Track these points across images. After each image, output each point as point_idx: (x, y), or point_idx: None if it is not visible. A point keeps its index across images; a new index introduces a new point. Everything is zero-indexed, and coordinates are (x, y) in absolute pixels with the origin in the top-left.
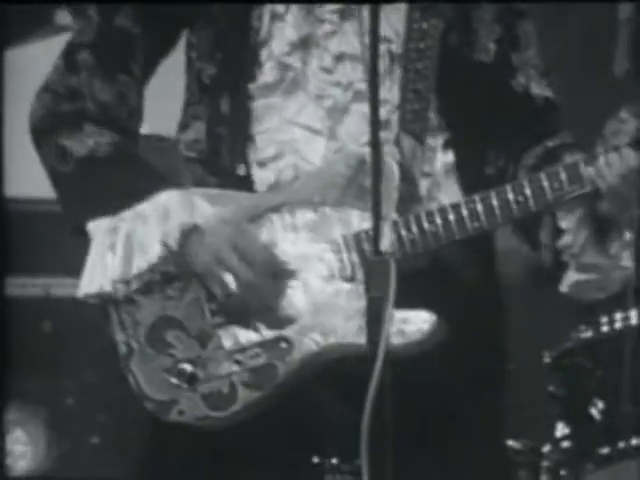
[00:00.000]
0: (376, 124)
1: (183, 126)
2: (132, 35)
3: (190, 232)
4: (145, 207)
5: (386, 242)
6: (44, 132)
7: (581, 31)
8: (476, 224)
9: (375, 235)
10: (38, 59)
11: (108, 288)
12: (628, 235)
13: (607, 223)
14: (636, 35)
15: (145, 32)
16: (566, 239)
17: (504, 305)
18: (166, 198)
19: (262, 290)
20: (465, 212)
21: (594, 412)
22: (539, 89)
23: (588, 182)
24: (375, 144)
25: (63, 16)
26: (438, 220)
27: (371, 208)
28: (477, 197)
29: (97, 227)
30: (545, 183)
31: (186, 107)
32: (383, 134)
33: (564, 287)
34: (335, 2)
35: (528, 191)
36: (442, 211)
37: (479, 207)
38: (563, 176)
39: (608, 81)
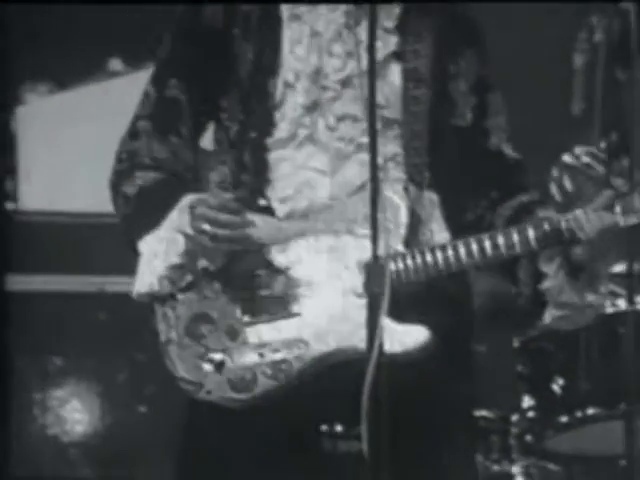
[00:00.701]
0: (374, 159)
1: (211, 169)
2: (179, 102)
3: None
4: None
5: (382, 250)
6: (112, 189)
7: (543, 76)
8: (469, 260)
9: (374, 244)
10: (94, 100)
11: (156, 287)
12: (601, 275)
13: (580, 268)
14: (589, 80)
15: (191, 99)
16: (547, 283)
17: (473, 313)
18: (186, 200)
19: (232, 220)
20: (462, 250)
21: (555, 387)
22: (509, 150)
23: (567, 233)
24: (374, 179)
25: (116, 63)
26: (438, 254)
27: (370, 221)
28: (472, 239)
29: (145, 242)
30: (530, 232)
31: (215, 155)
32: (383, 176)
33: (546, 320)
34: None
35: (516, 237)
36: (442, 247)
37: (474, 247)
38: (546, 227)
39: (567, 119)
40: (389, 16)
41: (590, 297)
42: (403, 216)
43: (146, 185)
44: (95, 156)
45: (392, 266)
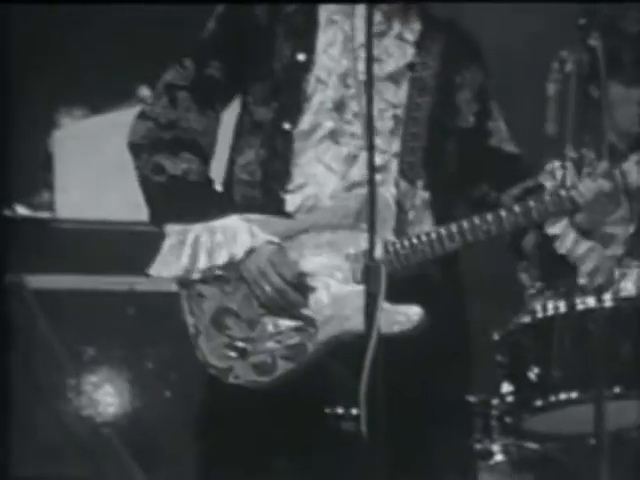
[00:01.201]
0: (372, 164)
1: (238, 151)
2: (218, 81)
3: (249, 253)
4: (215, 224)
5: (379, 252)
6: (142, 149)
7: (522, 102)
8: (472, 235)
9: (370, 248)
10: (124, 123)
11: (180, 273)
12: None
13: (586, 233)
14: (561, 106)
15: (227, 80)
16: (559, 242)
17: (464, 299)
18: (233, 223)
19: (288, 293)
20: (465, 225)
21: (531, 375)
22: (510, 147)
23: (567, 200)
24: (371, 181)
25: (144, 90)
26: (424, 240)
27: (367, 229)
28: (475, 216)
29: (172, 229)
30: (531, 203)
31: (238, 136)
32: (381, 176)
33: (582, 276)
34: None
35: (517, 209)
36: (427, 234)
37: (476, 222)
38: (547, 197)
39: (543, 139)
40: (412, 31)
41: (606, 251)
42: (391, 209)
43: (190, 176)
44: (123, 172)
45: (391, 251)
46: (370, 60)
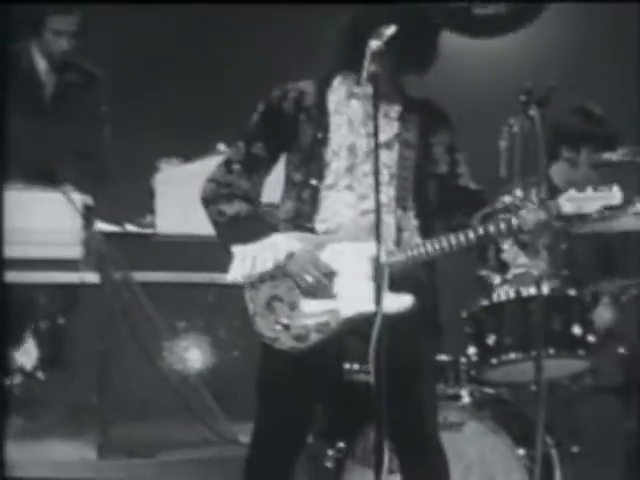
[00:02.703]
0: (378, 194)
1: (282, 202)
2: (261, 157)
3: (290, 256)
4: (263, 242)
5: (383, 258)
6: (209, 201)
7: (481, 153)
8: (455, 246)
9: (378, 255)
10: (209, 168)
11: (244, 277)
12: (540, 251)
13: (525, 246)
14: (510, 159)
15: (267, 156)
16: (505, 254)
17: (437, 291)
18: (276, 239)
19: (322, 281)
20: (451, 239)
21: (489, 341)
22: (474, 185)
23: (516, 227)
24: (378, 211)
25: (221, 146)
26: (419, 249)
27: (376, 243)
28: (453, 234)
29: (236, 249)
30: (491, 228)
31: (284, 193)
32: (385, 208)
33: (510, 276)
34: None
35: (481, 231)
36: (418, 245)
37: (455, 238)
38: (502, 225)
39: (498, 180)
40: (395, 110)
41: (533, 262)
42: (392, 228)
43: (241, 214)
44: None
45: (392, 258)
46: (376, 135)
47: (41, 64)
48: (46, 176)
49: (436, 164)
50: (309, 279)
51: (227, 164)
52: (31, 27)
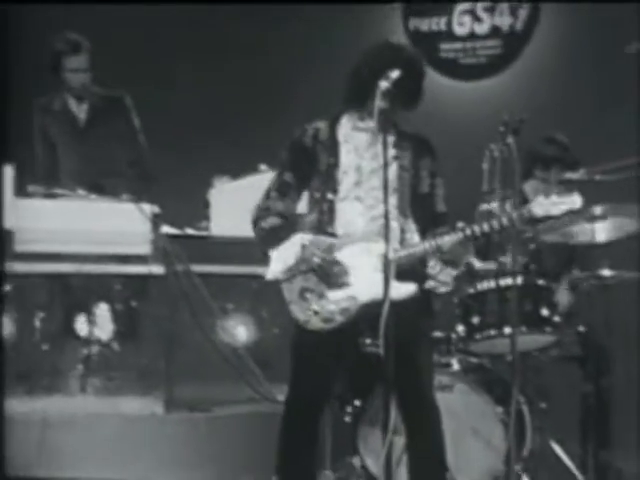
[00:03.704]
0: (387, 201)
1: (307, 216)
2: (290, 183)
3: (303, 247)
4: (287, 241)
5: (390, 255)
6: (254, 222)
7: (466, 172)
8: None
9: (386, 252)
10: (255, 185)
11: (278, 274)
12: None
13: (447, 262)
14: (491, 177)
15: (296, 182)
16: (431, 269)
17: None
18: (294, 238)
19: (341, 275)
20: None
21: (474, 321)
22: (442, 207)
23: (438, 248)
24: (386, 216)
25: (263, 167)
26: (418, 247)
27: (384, 242)
28: (438, 237)
29: (272, 254)
30: (476, 228)
31: (309, 207)
32: (390, 214)
33: (430, 284)
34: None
35: (468, 231)
36: (418, 244)
37: (445, 239)
38: (434, 241)
39: (481, 192)
40: (390, 139)
41: (452, 274)
42: (397, 231)
43: (275, 226)
44: (248, 212)
45: (398, 254)
46: (385, 155)
47: (69, 100)
48: (98, 193)
49: (421, 183)
50: (316, 260)
51: (267, 192)
52: (52, 71)
